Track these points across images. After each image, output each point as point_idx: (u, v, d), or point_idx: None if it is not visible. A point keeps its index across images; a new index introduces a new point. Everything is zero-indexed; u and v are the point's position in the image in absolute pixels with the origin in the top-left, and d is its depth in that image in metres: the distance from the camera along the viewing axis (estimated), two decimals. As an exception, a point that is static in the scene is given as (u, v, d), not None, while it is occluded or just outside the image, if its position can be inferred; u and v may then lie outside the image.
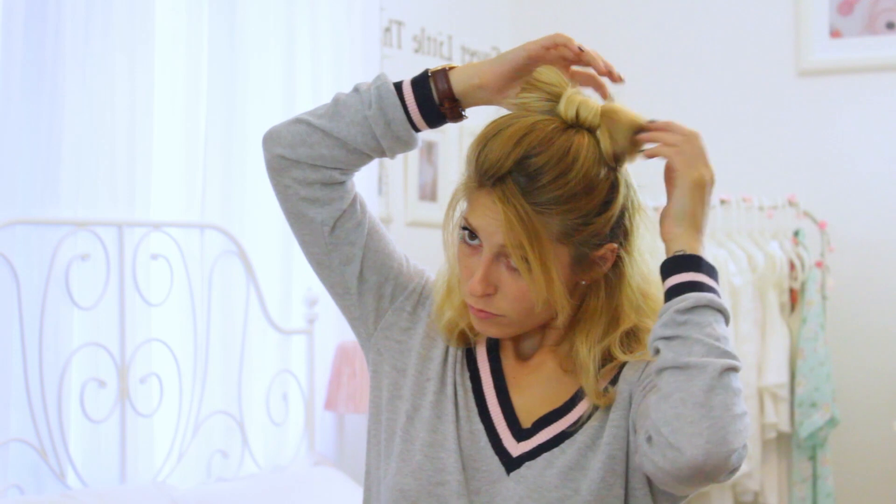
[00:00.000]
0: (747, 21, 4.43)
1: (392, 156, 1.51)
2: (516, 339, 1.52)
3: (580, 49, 1.45)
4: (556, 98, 1.41)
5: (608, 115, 1.41)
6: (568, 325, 1.47)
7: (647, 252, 1.46)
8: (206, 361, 3.06)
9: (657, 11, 4.55)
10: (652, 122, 1.41)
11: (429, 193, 4.09)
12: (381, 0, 3.70)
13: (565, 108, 1.40)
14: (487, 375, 1.51)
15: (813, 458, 3.99)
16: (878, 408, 4.15)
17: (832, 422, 3.94)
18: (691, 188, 1.38)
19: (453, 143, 4.13)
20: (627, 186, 1.44)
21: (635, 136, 1.41)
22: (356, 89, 1.48)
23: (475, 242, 1.42)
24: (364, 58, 3.54)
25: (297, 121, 1.49)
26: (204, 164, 3.10)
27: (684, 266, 1.37)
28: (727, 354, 1.31)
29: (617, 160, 1.41)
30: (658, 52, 4.51)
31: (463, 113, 1.49)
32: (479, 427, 1.47)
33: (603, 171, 1.39)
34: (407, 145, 1.49)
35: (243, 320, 3.16)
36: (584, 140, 1.39)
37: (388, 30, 3.91)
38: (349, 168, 1.49)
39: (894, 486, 4.17)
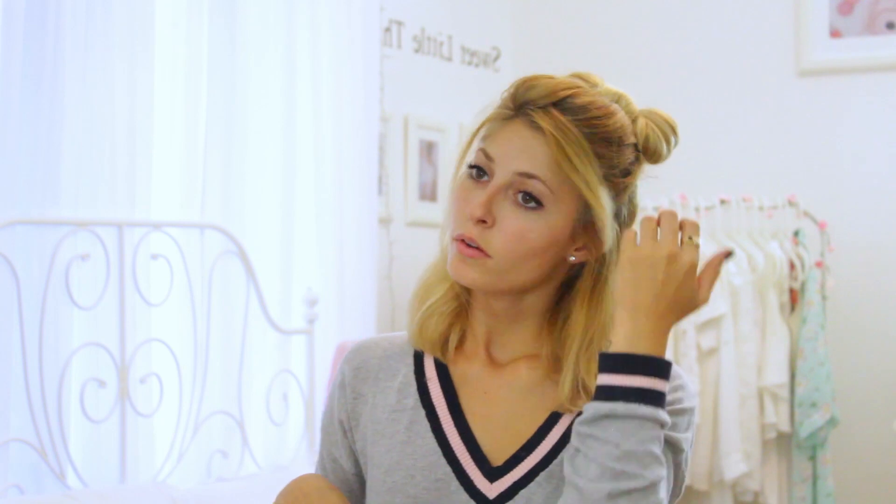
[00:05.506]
0: (747, 21, 4.43)
1: None
2: (488, 343, 1.45)
3: None
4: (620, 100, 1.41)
5: (652, 117, 1.42)
6: (548, 324, 1.42)
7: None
8: (206, 361, 3.06)
9: (657, 11, 4.55)
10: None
11: (429, 193, 4.09)
12: (381, 0, 3.70)
13: (641, 128, 1.40)
14: (445, 413, 1.43)
15: (813, 458, 3.99)
16: (878, 408, 4.15)
17: (832, 422, 3.94)
18: (625, 264, 1.31)
19: (453, 143, 4.13)
20: (636, 188, 1.42)
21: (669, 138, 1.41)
22: None
23: (484, 179, 1.37)
24: (364, 58, 3.54)
25: None
26: (204, 164, 3.10)
27: (607, 365, 1.29)
28: (622, 476, 1.24)
29: (644, 152, 1.40)
30: (658, 51, 4.51)
31: None
32: (447, 470, 1.39)
33: (632, 140, 1.38)
34: None
35: (243, 320, 3.16)
36: (623, 114, 1.39)
37: (388, 30, 3.91)
38: None
39: (894, 486, 4.17)
